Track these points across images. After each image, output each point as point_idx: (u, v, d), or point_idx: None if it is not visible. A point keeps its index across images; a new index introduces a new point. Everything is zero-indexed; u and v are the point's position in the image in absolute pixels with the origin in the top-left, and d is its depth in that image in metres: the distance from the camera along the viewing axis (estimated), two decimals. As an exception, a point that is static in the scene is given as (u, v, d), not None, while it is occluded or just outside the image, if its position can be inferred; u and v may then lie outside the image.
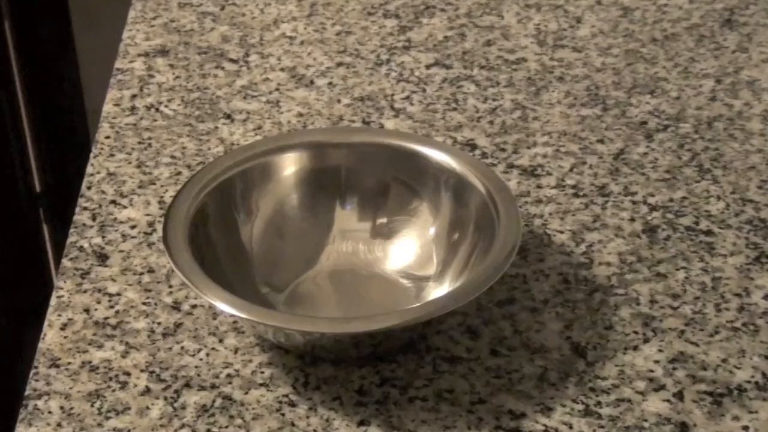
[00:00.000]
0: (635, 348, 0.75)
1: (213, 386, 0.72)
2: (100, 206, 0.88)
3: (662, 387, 0.72)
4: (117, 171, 0.92)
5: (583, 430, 0.69)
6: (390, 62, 1.07)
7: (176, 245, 0.74)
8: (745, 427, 0.69)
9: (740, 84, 1.03)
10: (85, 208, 0.88)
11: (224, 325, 0.77)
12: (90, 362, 0.74)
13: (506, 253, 0.73)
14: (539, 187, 0.90)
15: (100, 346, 0.75)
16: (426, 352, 0.75)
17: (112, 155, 0.94)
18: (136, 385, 0.72)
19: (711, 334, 0.76)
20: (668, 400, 0.71)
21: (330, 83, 1.03)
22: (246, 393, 0.72)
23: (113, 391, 0.72)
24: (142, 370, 0.73)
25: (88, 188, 0.90)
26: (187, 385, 0.72)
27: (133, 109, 1.00)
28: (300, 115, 0.99)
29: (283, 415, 0.70)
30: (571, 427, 0.69)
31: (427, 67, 1.06)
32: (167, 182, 0.91)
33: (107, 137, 0.96)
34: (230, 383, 0.72)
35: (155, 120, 0.98)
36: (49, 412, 0.71)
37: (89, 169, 0.93)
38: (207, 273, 0.72)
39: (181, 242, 0.74)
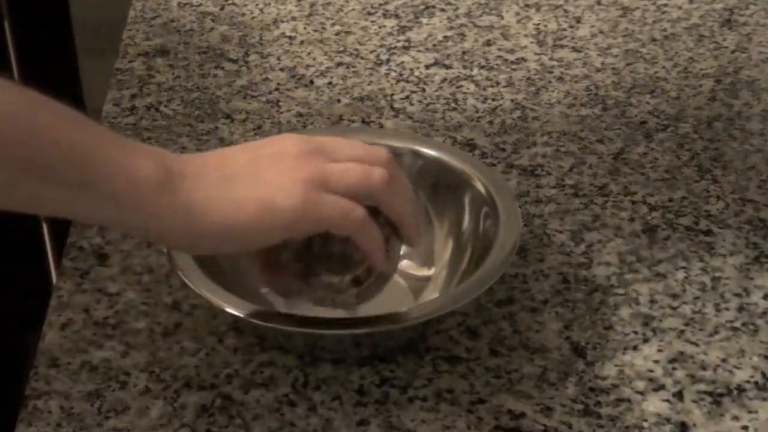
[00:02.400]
0: (635, 348, 0.75)
1: (213, 386, 0.72)
2: (100, 206, 0.88)
3: (662, 387, 0.72)
4: (117, 171, 0.92)
5: (583, 430, 0.69)
6: (389, 62, 1.07)
7: (176, 245, 0.74)
8: (745, 427, 0.69)
9: (740, 84, 1.03)
10: (85, 208, 0.88)
11: (224, 325, 0.77)
12: (90, 362, 0.74)
13: (506, 253, 0.73)
14: (539, 186, 0.90)
15: (100, 346, 0.75)
16: (426, 352, 0.75)
17: (112, 155, 0.94)
18: (135, 385, 0.72)
19: (711, 334, 0.76)
20: (668, 400, 0.71)
21: (330, 83, 1.03)
22: (246, 393, 0.72)
23: (113, 391, 0.72)
24: (141, 370, 0.73)
25: (88, 188, 0.90)
26: (187, 385, 0.72)
27: (132, 109, 1.00)
28: (300, 115, 0.99)
29: (282, 415, 0.70)
30: (570, 427, 0.69)
31: (427, 67, 1.06)
32: (167, 182, 0.91)
33: (107, 137, 0.96)
34: (230, 383, 0.72)
35: (155, 120, 0.98)
36: (49, 412, 0.71)
37: (89, 169, 0.92)
38: (207, 273, 0.72)
39: (180, 242, 0.74)
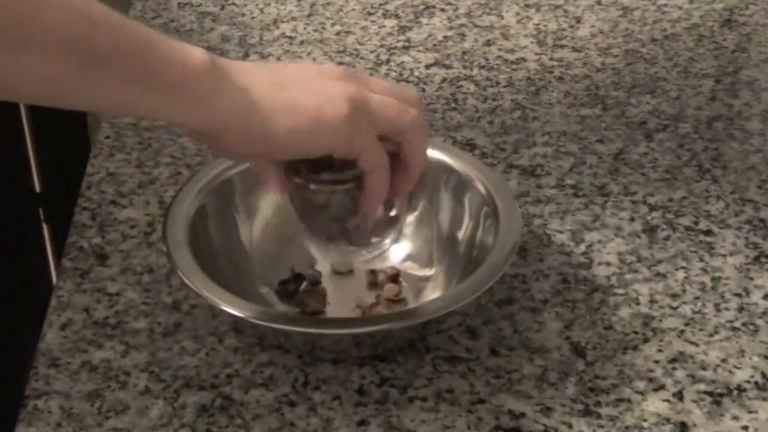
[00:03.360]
0: (635, 348, 0.75)
1: (213, 386, 0.72)
2: (100, 206, 0.88)
3: (662, 387, 0.72)
4: (117, 171, 0.92)
5: (583, 430, 0.69)
6: (389, 62, 1.07)
7: (176, 245, 0.74)
8: (745, 427, 0.69)
9: (740, 84, 1.03)
10: (85, 208, 0.88)
11: (224, 325, 0.77)
12: (90, 362, 0.74)
13: (506, 253, 0.73)
14: (539, 187, 0.90)
15: (100, 346, 0.75)
16: (426, 352, 0.75)
17: (111, 155, 0.94)
18: (135, 385, 0.72)
19: (711, 334, 0.76)
20: (668, 400, 0.71)
21: (330, 83, 1.03)
22: (246, 393, 0.72)
23: (113, 391, 0.72)
24: (142, 370, 0.73)
25: (88, 188, 0.90)
26: (187, 385, 0.72)
27: (133, 109, 1.00)
28: (300, 115, 0.99)
29: (282, 415, 0.70)
30: (570, 427, 0.69)
31: (427, 67, 1.06)
32: (167, 182, 0.91)
33: (107, 137, 0.96)
34: (230, 383, 0.72)
35: (155, 119, 0.98)
36: (49, 412, 0.71)
37: (89, 169, 0.93)
38: (207, 273, 0.72)
39: (181, 242, 0.74)
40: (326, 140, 0.65)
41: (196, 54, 0.62)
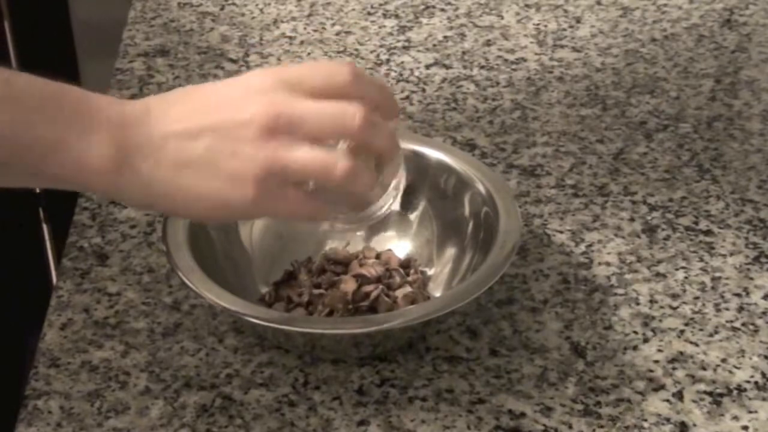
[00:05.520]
0: (635, 348, 0.75)
1: (213, 386, 0.72)
2: (100, 206, 0.88)
3: (662, 387, 0.72)
4: (117, 171, 0.92)
5: (583, 430, 0.69)
6: (389, 62, 1.06)
7: (176, 245, 0.74)
8: (745, 427, 0.69)
9: (740, 84, 1.03)
10: (85, 208, 0.88)
11: (224, 325, 0.77)
12: (90, 362, 0.74)
13: (506, 253, 0.73)
14: (539, 187, 0.90)
15: (100, 346, 0.75)
16: (426, 352, 0.75)
17: (112, 155, 0.94)
18: (135, 385, 0.72)
19: (710, 334, 0.76)
20: (668, 400, 0.71)
21: (330, 83, 1.03)
22: (246, 393, 0.72)
23: (113, 390, 0.72)
24: (141, 370, 0.73)
25: (88, 188, 0.90)
26: (187, 385, 0.72)
27: (133, 109, 1.00)
28: (300, 115, 0.99)
29: (282, 415, 0.70)
30: (570, 427, 0.69)
31: (427, 67, 1.06)
32: (167, 182, 0.91)
33: (107, 137, 0.96)
34: (230, 383, 0.72)
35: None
36: (49, 412, 0.71)
37: (89, 169, 0.92)
38: (207, 273, 0.72)
39: (181, 242, 0.74)
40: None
41: (96, 153, 0.60)
